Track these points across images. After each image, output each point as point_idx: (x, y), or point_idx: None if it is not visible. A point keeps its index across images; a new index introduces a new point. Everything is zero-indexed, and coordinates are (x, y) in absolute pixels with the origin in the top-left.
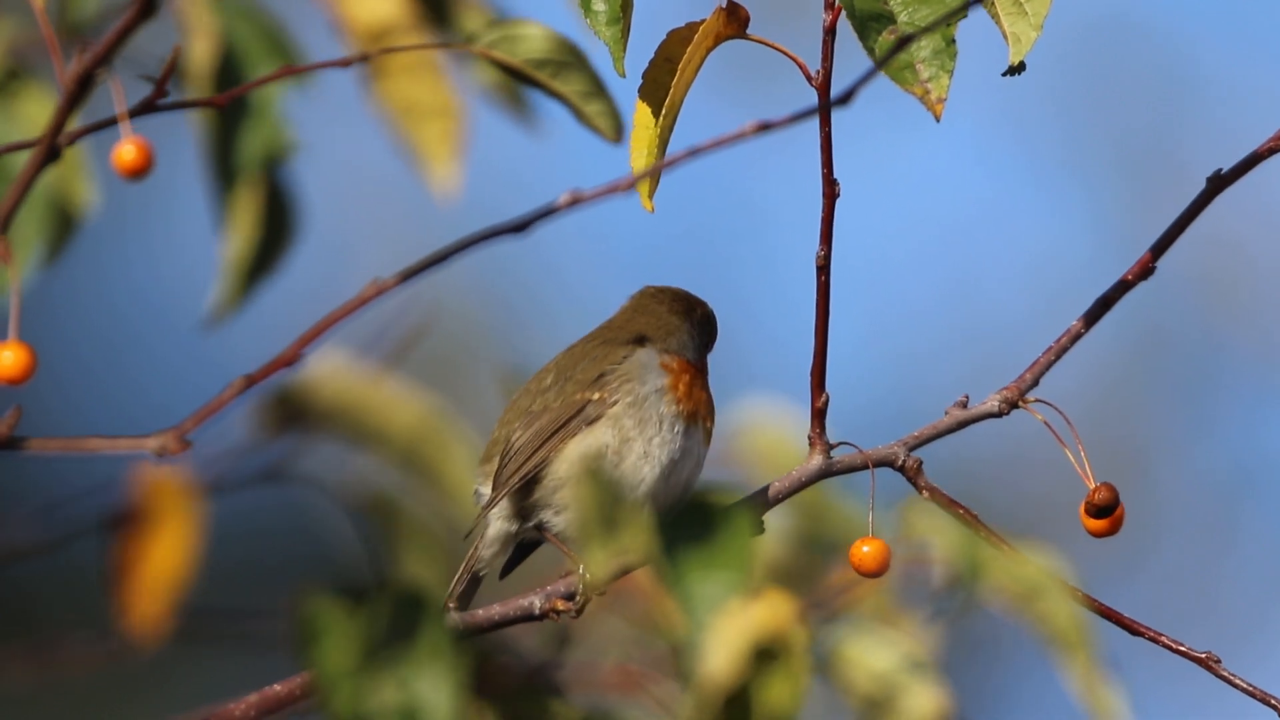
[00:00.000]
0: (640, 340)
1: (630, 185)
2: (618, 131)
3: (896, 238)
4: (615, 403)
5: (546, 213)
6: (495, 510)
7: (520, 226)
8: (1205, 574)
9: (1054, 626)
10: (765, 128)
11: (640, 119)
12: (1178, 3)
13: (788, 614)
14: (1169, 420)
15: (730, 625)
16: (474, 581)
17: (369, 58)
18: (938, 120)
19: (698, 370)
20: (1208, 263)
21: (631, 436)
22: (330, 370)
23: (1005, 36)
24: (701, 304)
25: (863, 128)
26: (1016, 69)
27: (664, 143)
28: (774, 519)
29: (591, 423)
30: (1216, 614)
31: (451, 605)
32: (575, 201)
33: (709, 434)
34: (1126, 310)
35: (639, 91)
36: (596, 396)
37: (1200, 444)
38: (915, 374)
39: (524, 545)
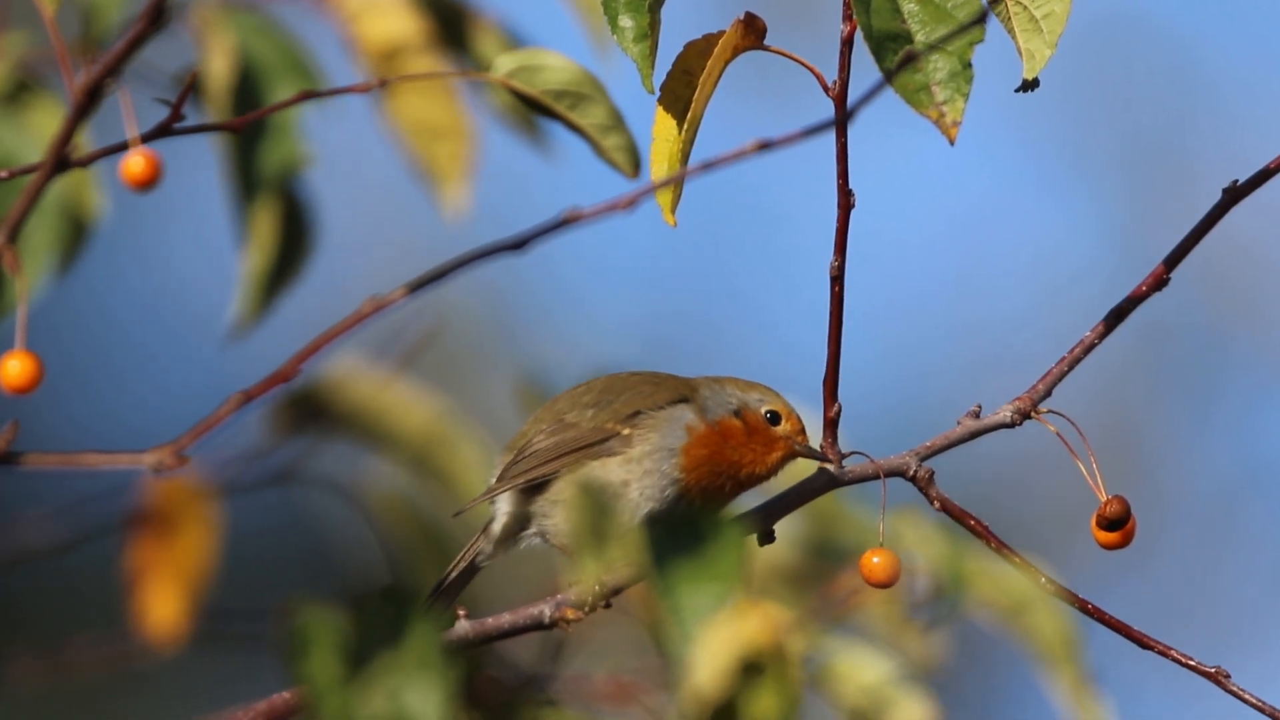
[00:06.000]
0: (686, 398)
1: (630, 204)
2: (635, 166)
3: (902, 234)
4: (636, 444)
5: (546, 230)
6: (502, 506)
7: (519, 244)
8: (1209, 573)
9: (1042, 640)
10: (766, 146)
11: (660, 132)
12: (1184, 0)
13: (779, 626)
14: (1172, 418)
15: (718, 638)
16: (470, 571)
17: (388, 83)
18: (952, 144)
19: (721, 448)
20: (1213, 260)
21: (630, 481)
22: (343, 373)
23: (1020, 52)
24: (767, 399)
25: (868, 126)
26: (1030, 85)
27: (685, 156)
28: (786, 525)
29: (611, 455)
30: (1220, 613)
31: (442, 596)
32: (574, 219)
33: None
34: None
35: (658, 104)
36: (625, 432)
37: (1204, 442)
38: (923, 366)
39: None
